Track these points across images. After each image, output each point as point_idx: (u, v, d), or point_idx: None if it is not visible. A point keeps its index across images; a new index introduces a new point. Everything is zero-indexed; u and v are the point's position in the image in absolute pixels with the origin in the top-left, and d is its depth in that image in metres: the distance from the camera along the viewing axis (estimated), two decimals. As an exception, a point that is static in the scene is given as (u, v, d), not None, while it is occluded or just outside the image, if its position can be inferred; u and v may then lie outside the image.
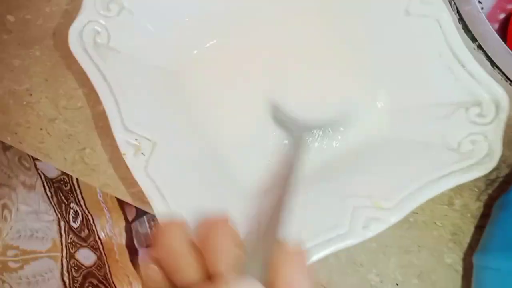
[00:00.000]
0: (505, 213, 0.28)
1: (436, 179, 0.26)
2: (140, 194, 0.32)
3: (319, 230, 0.26)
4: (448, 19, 0.28)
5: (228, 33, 0.32)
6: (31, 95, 0.36)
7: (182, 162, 0.28)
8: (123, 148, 0.26)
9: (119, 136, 0.27)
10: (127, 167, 0.27)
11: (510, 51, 0.37)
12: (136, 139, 0.27)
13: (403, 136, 0.30)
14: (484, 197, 0.34)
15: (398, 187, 0.26)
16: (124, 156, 0.27)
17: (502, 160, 0.34)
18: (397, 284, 0.32)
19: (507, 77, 0.36)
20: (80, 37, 0.28)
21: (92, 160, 0.34)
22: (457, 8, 0.37)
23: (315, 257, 0.25)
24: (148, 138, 0.27)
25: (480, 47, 0.36)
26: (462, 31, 0.36)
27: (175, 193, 0.26)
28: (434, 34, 0.28)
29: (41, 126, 0.35)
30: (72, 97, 0.36)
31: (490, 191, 0.34)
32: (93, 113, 0.35)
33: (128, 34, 0.30)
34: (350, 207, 0.27)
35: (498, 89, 0.27)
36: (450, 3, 0.37)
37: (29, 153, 0.35)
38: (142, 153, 0.27)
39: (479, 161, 0.27)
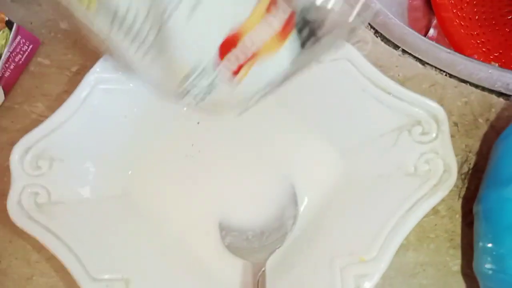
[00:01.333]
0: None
1: (405, 212, 0.26)
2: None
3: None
4: (357, 55, 0.28)
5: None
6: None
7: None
8: (97, 301, 0.26)
9: (89, 290, 0.26)
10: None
11: (434, 43, 0.37)
12: (107, 286, 0.26)
13: (360, 177, 0.29)
14: (464, 192, 0.34)
15: (374, 235, 0.26)
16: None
17: (468, 150, 0.34)
18: (416, 311, 0.32)
19: (441, 70, 0.36)
20: (20, 207, 0.28)
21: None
22: (369, 24, 0.37)
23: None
24: (118, 278, 0.27)
25: (404, 51, 0.36)
26: (382, 43, 0.37)
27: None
28: (350, 73, 0.28)
29: (20, 288, 0.35)
30: (41, 248, 0.35)
31: (467, 184, 0.34)
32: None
33: (68, 181, 0.29)
34: (337, 270, 0.26)
35: (431, 104, 0.27)
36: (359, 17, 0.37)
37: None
38: (118, 298, 0.26)
39: (439, 179, 0.26)
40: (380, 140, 0.29)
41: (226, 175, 0.32)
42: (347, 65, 0.28)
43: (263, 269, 0.28)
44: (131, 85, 0.30)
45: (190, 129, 0.33)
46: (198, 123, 0.33)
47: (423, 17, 0.63)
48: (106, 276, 0.27)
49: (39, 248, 0.35)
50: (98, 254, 0.27)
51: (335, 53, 0.28)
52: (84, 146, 0.30)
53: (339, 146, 0.31)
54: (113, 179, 0.31)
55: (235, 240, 0.30)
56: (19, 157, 0.28)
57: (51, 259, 0.35)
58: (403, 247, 0.32)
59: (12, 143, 0.30)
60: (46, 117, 0.31)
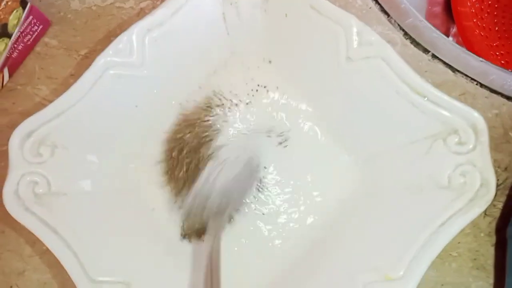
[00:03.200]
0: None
1: (437, 228, 0.24)
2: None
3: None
4: (393, 54, 0.26)
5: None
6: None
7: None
8: (96, 305, 0.24)
9: (88, 293, 0.24)
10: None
11: (465, 50, 0.35)
12: (107, 289, 0.24)
13: (386, 187, 0.27)
14: (492, 210, 0.32)
15: (401, 251, 0.24)
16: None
17: (497, 165, 0.32)
18: (435, 334, 0.30)
19: (472, 78, 0.34)
20: (17, 197, 0.25)
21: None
22: (399, 25, 0.35)
23: None
24: (119, 281, 0.24)
25: (434, 56, 0.34)
26: (411, 45, 0.35)
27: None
28: (384, 73, 0.26)
29: (10, 283, 0.32)
30: (34, 242, 0.33)
31: (495, 202, 0.32)
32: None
33: (70, 172, 0.27)
34: (360, 286, 0.24)
35: (470, 111, 0.25)
36: (391, 22, 0.35)
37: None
38: (118, 302, 0.24)
39: (475, 193, 0.24)
40: (411, 148, 0.27)
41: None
42: (381, 64, 0.26)
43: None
44: (145, 71, 0.28)
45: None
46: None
47: (442, 25, 0.61)
48: (106, 278, 0.24)
49: (33, 241, 0.33)
50: (98, 254, 0.25)
51: (369, 50, 0.26)
52: (90, 135, 0.28)
53: (358, 152, 0.29)
54: (119, 172, 0.29)
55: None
56: (19, 141, 0.26)
57: (46, 254, 0.32)
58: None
59: (13, 126, 0.27)
60: (50, 101, 0.28)
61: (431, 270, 0.30)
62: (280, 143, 0.30)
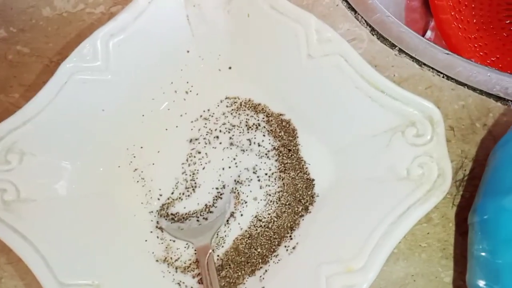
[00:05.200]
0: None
1: (396, 219, 0.25)
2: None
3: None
4: (351, 50, 0.26)
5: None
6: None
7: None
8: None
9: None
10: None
11: (432, 43, 0.36)
12: (77, 291, 0.25)
13: (350, 179, 0.28)
14: (458, 200, 0.32)
15: (362, 242, 0.24)
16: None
17: (463, 156, 0.33)
18: (406, 324, 0.30)
19: (438, 71, 0.34)
20: (-16, 205, 0.26)
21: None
22: (365, 21, 0.36)
23: None
24: (89, 283, 0.25)
25: (401, 51, 0.35)
26: (378, 41, 0.35)
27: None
28: (343, 69, 0.27)
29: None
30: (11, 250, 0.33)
31: (462, 192, 0.32)
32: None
33: (38, 178, 0.28)
34: (323, 279, 0.25)
35: (426, 104, 0.26)
36: (357, 19, 0.36)
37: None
38: (89, 304, 0.24)
39: (433, 184, 0.25)
40: (373, 141, 0.27)
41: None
42: (340, 60, 0.26)
43: (210, 251, 0.28)
44: (109, 76, 0.28)
45: (169, 124, 0.32)
46: (180, 115, 0.32)
47: (421, 19, 0.62)
48: (75, 281, 0.25)
49: (9, 249, 0.33)
50: (68, 257, 0.26)
51: (328, 47, 0.26)
52: (59, 140, 0.28)
53: (329, 145, 0.30)
54: (89, 176, 0.29)
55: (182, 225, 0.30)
56: (-14, 149, 0.27)
57: (22, 261, 0.33)
58: (393, 256, 0.31)
59: (-17, 134, 0.28)
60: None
61: (401, 261, 0.31)
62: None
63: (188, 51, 0.31)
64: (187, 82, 0.32)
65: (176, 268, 0.29)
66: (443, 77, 0.34)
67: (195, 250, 0.30)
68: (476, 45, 0.57)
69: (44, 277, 0.25)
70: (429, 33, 0.60)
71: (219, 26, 0.30)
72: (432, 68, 0.34)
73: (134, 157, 0.31)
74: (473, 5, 0.58)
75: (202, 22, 0.30)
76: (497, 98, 0.34)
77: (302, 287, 0.25)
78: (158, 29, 0.29)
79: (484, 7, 0.57)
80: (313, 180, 0.30)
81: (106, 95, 0.29)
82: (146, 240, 0.30)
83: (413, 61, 0.35)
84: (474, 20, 0.57)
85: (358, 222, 0.26)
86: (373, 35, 0.35)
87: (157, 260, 0.29)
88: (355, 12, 0.36)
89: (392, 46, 0.35)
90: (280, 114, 0.31)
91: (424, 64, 0.35)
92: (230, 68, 0.32)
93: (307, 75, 0.28)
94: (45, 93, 0.27)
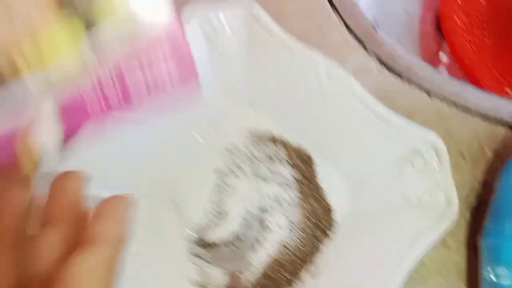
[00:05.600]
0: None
1: (410, 245, 0.26)
2: None
3: None
4: (357, 86, 0.29)
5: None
6: None
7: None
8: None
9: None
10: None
11: (440, 72, 0.37)
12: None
13: (367, 206, 0.30)
14: (472, 224, 0.33)
15: (378, 266, 0.26)
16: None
17: (475, 181, 0.34)
18: None
19: (448, 100, 0.36)
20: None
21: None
22: (374, 52, 0.38)
23: None
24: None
25: (410, 80, 0.37)
26: (388, 72, 0.37)
27: None
28: (352, 104, 0.29)
29: None
30: None
31: (474, 216, 0.33)
32: None
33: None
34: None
35: (428, 134, 0.28)
36: (366, 50, 0.38)
37: None
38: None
39: (442, 211, 0.26)
40: (384, 170, 0.29)
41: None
42: (348, 95, 0.29)
43: (241, 276, 0.30)
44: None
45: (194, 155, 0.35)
46: (205, 147, 0.34)
47: (434, 42, 0.63)
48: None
49: None
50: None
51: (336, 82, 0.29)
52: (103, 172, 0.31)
53: (345, 174, 0.32)
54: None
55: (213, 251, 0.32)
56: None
57: None
58: (410, 281, 0.32)
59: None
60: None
61: (418, 285, 0.32)
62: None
63: (210, 89, 0.34)
64: (211, 116, 0.35)
65: (211, 292, 0.32)
66: (452, 106, 0.36)
67: (227, 275, 0.32)
68: (490, 65, 0.58)
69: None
70: (444, 57, 0.61)
71: (238, 65, 0.33)
72: (442, 98, 0.36)
73: (167, 186, 0.34)
74: (484, 25, 0.59)
75: (222, 61, 0.33)
76: (507, 125, 0.35)
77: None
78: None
79: (496, 28, 0.58)
80: (332, 207, 0.32)
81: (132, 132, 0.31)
82: (180, 265, 0.32)
83: (422, 91, 0.36)
84: (487, 41, 0.58)
85: (374, 248, 0.28)
86: (382, 66, 0.37)
87: (192, 284, 0.31)
88: (363, 44, 0.38)
89: (401, 76, 0.37)
90: (298, 145, 0.34)
91: (434, 94, 0.36)
92: (251, 104, 0.35)
93: (323, 112, 0.31)
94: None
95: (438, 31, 0.62)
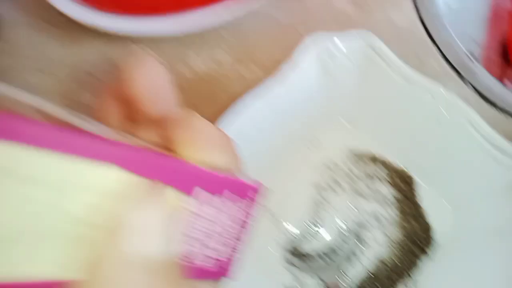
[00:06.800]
0: None
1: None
2: None
3: None
4: (477, 117, 0.30)
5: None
6: None
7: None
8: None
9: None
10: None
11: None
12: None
13: (471, 229, 0.31)
14: None
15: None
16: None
17: None
18: None
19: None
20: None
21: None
22: (471, 85, 0.39)
23: None
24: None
25: (506, 112, 0.38)
26: (483, 102, 0.38)
27: None
28: (469, 134, 0.30)
29: None
30: None
31: None
32: None
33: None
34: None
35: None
36: (463, 80, 0.39)
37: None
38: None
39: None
40: (493, 196, 0.31)
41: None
42: (467, 126, 0.30)
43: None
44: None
45: (296, 169, 0.36)
46: (305, 162, 0.36)
47: (499, 69, 0.64)
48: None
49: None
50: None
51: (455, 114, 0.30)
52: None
53: (447, 196, 0.33)
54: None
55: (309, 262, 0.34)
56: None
57: None
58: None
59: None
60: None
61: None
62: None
63: (315, 108, 0.36)
64: (313, 134, 0.37)
65: (306, 301, 0.33)
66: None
67: (323, 285, 0.34)
68: None
69: None
70: (509, 84, 0.62)
71: (350, 90, 0.35)
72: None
73: (267, 196, 0.36)
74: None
75: (335, 86, 0.35)
76: None
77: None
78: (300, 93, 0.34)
79: None
80: (432, 227, 0.34)
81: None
82: (277, 272, 0.34)
83: (518, 121, 0.38)
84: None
85: (480, 272, 0.29)
86: (478, 96, 0.39)
87: (288, 292, 0.33)
88: (460, 74, 0.39)
89: (497, 107, 0.38)
90: (399, 165, 0.36)
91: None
92: (352, 123, 0.37)
93: (432, 137, 0.32)
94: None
95: (504, 59, 0.63)
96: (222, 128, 0.21)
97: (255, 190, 0.19)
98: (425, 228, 0.34)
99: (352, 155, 0.37)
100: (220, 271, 0.19)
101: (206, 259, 0.18)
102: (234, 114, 0.32)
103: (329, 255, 0.35)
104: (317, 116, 0.36)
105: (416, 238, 0.34)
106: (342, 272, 0.34)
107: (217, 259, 0.19)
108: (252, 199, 0.19)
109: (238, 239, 0.19)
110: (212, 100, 0.40)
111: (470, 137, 0.30)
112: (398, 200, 0.35)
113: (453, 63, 0.40)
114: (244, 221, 0.19)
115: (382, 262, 0.34)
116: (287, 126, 0.36)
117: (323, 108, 0.36)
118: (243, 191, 0.19)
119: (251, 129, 0.33)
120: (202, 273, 0.18)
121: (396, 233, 0.34)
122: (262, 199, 0.20)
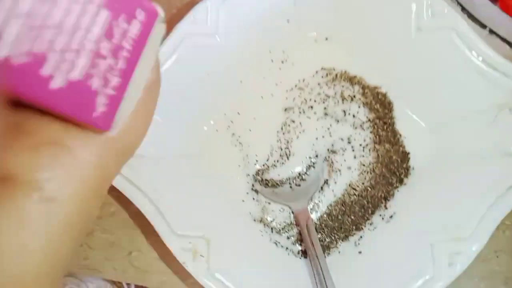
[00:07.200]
0: None
1: (504, 191, 0.25)
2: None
3: (403, 281, 0.25)
4: (464, 25, 0.27)
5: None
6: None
7: (240, 250, 0.27)
8: (181, 257, 0.25)
9: (173, 245, 0.25)
10: (178, 262, 0.26)
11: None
12: (190, 242, 0.26)
13: (451, 153, 0.28)
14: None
15: (469, 212, 0.25)
16: (184, 265, 0.25)
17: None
18: (487, 297, 0.31)
19: (529, 53, 0.34)
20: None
21: (141, 263, 0.33)
22: (456, 0, 0.35)
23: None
24: (200, 235, 0.26)
25: (491, 31, 0.35)
26: (469, 20, 0.35)
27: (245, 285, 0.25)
28: (454, 44, 0.27)
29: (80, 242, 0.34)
30: (104, 204, 0.34)
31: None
32: (129, 214, 0.34)
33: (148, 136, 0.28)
34: (427, 246, 0.25)
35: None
36: (447, -3, 0.36)
37: (76, 273, 0.34)
38: (201, 255, 0.26)
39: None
40: (477, 116, 0.28)
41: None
42: (452, 34, 0.27)
43: (310, 215, 0.30)
44: (218, 39, 0.29)
45: (265, 92, 0.32)
46: (276, 84, 0.32)
47: None
48: (189, 233, 0.26)
49: (102, 204, 0.34)
50: (180, 213, 0.27)
51: (440, 20, 0.27)
52: (165, 102, 0.29)
53: (428, 119, 0.30)
54: (190, 137, 0.30)
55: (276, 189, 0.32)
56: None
57: (114, 216, 0.34)
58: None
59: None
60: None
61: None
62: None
63: (288, 21, 0.31)
64: (283, 52, 0.33)
65: (272, 229, 0.30)
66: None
67: (291, 213, 0.31)
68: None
69: (162, 228, 0.26)
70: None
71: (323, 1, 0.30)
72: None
73: (232, 122, 0.32)
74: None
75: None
76: None
77: (403, 252, 0.26)
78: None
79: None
80: (409, 153, 0.31)
81: (212, 59, 0.29)
82: (243, 201, 0.31)
83: (504, 42, 0.35)
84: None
85: (461, 195, 0.26)
86: (463, 13, 0.35)
87: (254, 220, 0.30)
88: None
89: (482, 26, 0.35)
90: (376, 87, 0.32)
91: (514, 44, 0.34)
92: (326, 39, 0.32)
93: (413, 49, 0.29)
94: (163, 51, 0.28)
95: None
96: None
97: (149, 11, 0.15)
98: (402, 154, 0.31)
99: (327, 74, 0.33)
100: (92, 103, 0.15)
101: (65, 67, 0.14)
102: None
103: (297, 181, 0.32)
104: (287, 31, 0.32)
105: (391, 164, 0.31)
106: (310, 199, 0.31)
107: (87, 85, 0.14)
108: (142, 22, 0.15)
109: (118, 69, 0.15)
110: None
111: (455, 49, 0.27)
112: (373, 123, 0.31)
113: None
114: (121, 43, 0.15)
115: (352, 187, 0.31)
116: (255, 43, 0.31)
117: (294, 19, 0.31)
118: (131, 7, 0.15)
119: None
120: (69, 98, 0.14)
121: (369, 159, 0.31)
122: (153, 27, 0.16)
